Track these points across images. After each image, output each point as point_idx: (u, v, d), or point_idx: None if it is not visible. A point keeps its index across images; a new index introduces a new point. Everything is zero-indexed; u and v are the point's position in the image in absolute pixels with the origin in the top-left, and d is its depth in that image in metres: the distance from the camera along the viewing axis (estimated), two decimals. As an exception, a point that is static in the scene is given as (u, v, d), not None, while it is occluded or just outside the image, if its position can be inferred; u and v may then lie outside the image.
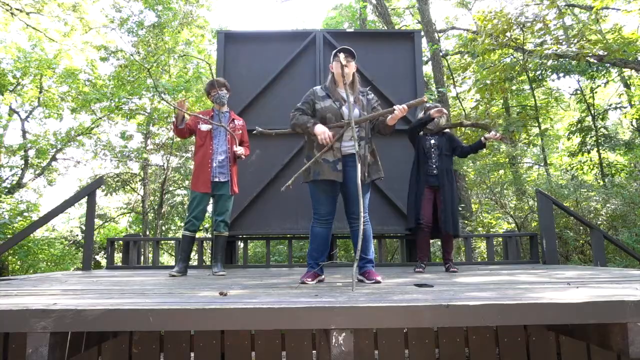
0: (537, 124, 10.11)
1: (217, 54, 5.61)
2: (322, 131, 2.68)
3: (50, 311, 1.57)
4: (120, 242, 6.10)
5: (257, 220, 5.26)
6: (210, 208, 4.21)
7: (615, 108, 9.84)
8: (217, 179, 3.80)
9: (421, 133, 4.07)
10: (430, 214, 3.92)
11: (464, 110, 11.40)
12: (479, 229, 8.89)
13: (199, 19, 12.40)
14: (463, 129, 9.87)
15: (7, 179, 11.20)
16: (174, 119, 3.90)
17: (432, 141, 3.99)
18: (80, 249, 10.18)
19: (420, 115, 4.12)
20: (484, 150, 9.24)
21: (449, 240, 4.06)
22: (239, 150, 3.85)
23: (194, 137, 4.00)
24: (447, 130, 4.10)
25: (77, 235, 12.40)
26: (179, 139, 11.03)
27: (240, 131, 4.00)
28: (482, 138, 3.90)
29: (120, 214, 13.75)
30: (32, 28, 12.19)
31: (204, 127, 3.84)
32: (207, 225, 11.75)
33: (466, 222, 8.63)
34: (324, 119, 2.76)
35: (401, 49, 5.69)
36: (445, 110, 4.01)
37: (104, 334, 2.30)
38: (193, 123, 3.88)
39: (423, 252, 4.04)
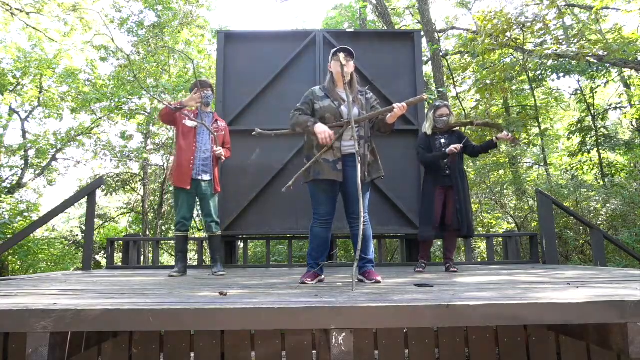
0: (537, 124, 10.12)
1: (217, 54, 5.61)
2: (322, 130, 2.68)
3: (50, 311, 1.57)
4: (120, 242, 6.10)
5: (257, 220, 5.26)
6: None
7: (615, 108, 9.84)
8: (200, 177, 3.78)
9: (430, 133, 4.03)
10: (440, 215, 3.90)
11: (464, 110, 11.41)
12: (479, 229, 8.90)
13: (199, 19, 12.39)
14: (463, 128, 9.85)
15: (7, 179, 11.20)
16: (177, 102, 3.86)
17: (443, 140, 3.93)
18: (80, 249, 10.18)
19: (430, 115, 4.08)
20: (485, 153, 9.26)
21: (453, 239, 4.04)
22: (219, 150, 3.84)
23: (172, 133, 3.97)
24: (456, 128, 4.07)
25: (77, 235, 12.39)
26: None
27: (223, 132, 4.00)
28: (494, 138, 3.87)
29: (120, 214, 13.74)
30: (32, 28, 12.19)
31: (190, 123, 3.82)
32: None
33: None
34: (323, 119, 2.76)
35: (401, 49, 5.69)
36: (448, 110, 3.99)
37: (104, 334, 2.30)
38: (179, 116, 3.86)
39: (424, 252, 4.03)
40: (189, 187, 3.72)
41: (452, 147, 3.78)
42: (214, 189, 3.87)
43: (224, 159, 3.94)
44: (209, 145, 3.85)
